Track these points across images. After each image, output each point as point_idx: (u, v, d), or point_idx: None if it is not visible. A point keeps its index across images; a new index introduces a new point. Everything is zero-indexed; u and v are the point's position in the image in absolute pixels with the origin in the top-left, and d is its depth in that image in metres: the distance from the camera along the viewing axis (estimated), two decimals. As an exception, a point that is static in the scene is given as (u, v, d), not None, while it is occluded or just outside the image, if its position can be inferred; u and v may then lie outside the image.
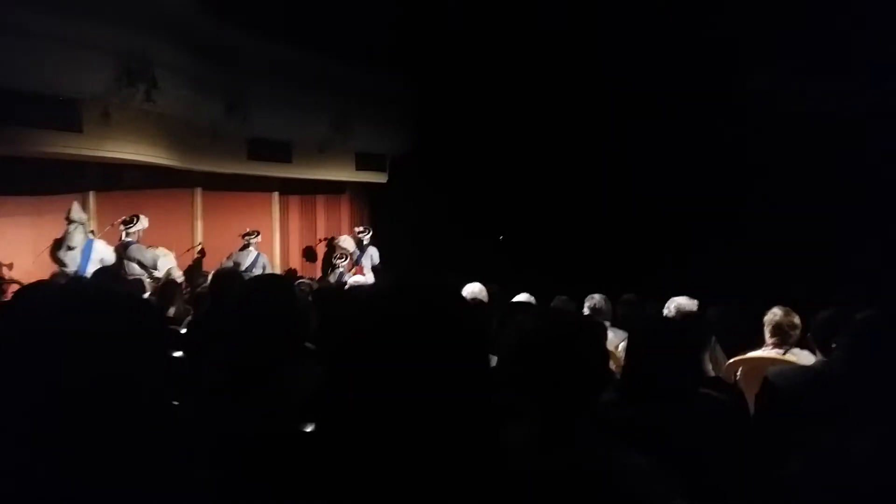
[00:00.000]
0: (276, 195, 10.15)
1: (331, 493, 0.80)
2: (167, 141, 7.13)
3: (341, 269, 9.40)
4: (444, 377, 0.80)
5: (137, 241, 7.01)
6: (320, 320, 3.11)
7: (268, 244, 9.75)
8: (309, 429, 1.73)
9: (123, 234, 6.97)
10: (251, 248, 8.64)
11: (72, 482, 0.89)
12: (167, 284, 5.33)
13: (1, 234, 6.76)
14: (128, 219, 6.98)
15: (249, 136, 8.57)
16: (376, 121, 10.23)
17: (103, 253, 6.50)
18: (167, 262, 7.06)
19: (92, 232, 6.68)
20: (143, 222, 7.03)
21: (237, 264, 8.20)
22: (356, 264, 9.83)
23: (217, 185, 9.00)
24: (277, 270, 9.42)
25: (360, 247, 10.16)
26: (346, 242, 10.16)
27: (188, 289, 6.13)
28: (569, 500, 1.19)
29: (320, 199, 11.00)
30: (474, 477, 0.79)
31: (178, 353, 2.97)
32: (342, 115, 9.57)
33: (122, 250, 6.92)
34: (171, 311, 4.89)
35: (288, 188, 10.22)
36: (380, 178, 10.94)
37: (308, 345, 2.76)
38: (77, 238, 6.37)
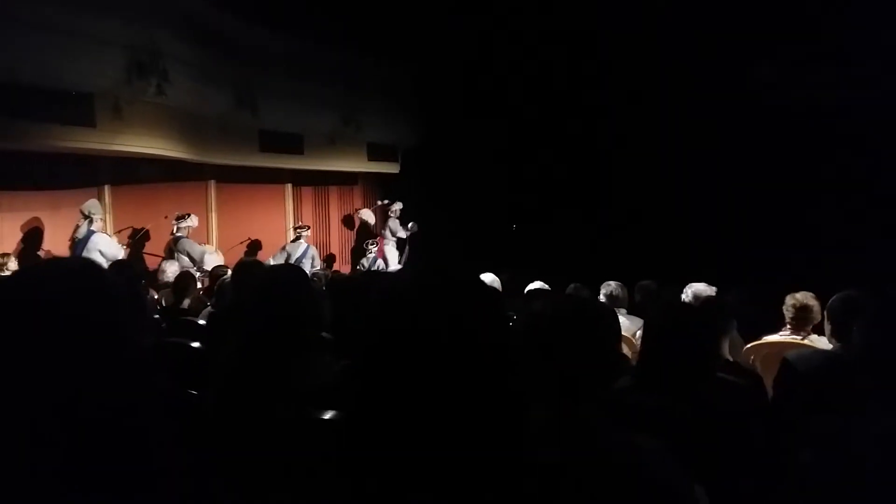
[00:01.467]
0: (289, 186, 10.17)
1: (356, 477, 0.80)
2: (179, 134, 7.15)
3: (373, 254, 9.49)
4: (477, 368, 0.80)
5: (187, 236, 7.63)
6: (335, 310, 3.12)
7: (281, 235, 9.79)
8: (327, 416, 1.74)
9: (175, 228, 7.64)
10: (302, 240, 9.15)
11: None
12: (181, 276, 5.34)
13: (17, 229, 6.83)
14: (181, 214, 7.66)
15: (261, 129, 8.58)
16: (387, 112, 10.21)
17: (103, 245, 6.57)
18: (214, 258, 7.53)
19: (117, 232, 6.82)
20: (194, 220, 7.76)
21: (289, 256, 8.81)
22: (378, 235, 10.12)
23: (230, 177, 9.03)
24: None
25: (385, 219, 10.46)
26: (366, 215, 10.56)
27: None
28: (585, 487, 1.18)
29: (333, 190, 11.01)
30: (498, 464, 0.79)
31: (195, 344, 2.99)
32: (352, 107, 9.56)
33: (173, 243, 7.66)
34: (186, 302, 4.93)
35: (301, 179, 10.23)
36: (392, 168, 10.93)
37: (324, 334, 2.77)
38: (81, 231, 6.65)
